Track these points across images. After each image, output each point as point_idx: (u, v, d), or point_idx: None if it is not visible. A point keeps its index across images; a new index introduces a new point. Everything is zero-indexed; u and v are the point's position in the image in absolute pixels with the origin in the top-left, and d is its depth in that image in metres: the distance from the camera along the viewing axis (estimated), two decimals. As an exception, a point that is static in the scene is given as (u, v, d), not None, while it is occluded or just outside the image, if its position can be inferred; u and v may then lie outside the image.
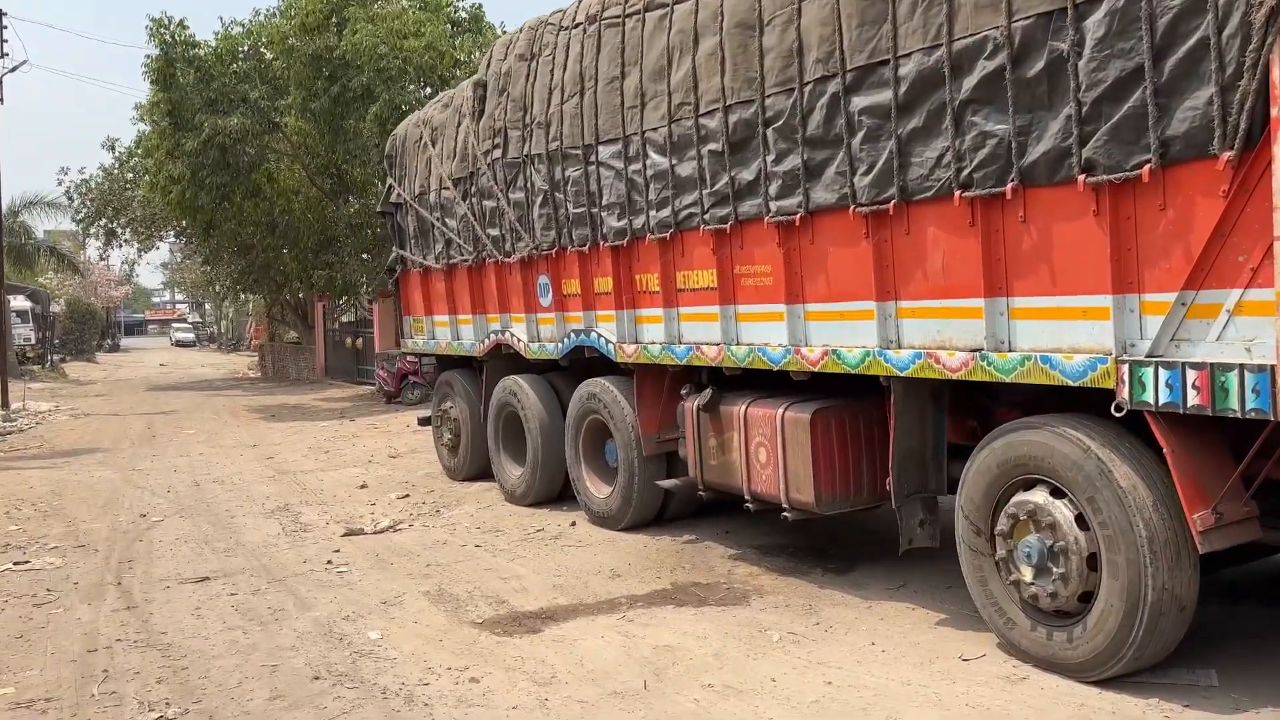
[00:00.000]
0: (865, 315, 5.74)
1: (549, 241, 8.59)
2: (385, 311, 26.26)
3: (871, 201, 5.55)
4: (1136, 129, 4.30)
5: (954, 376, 5.23)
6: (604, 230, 7.83)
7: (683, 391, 7.52)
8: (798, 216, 6.03)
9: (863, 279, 5.73)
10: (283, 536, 8.81)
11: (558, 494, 9.47)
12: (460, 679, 5.17)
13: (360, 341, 28.46)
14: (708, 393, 6.99)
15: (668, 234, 7.14)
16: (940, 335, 5.35)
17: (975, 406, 6.10)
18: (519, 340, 9.41)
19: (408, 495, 10.55)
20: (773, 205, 6.21)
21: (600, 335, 8.14)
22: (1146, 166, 4.27)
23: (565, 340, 8.64)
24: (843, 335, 5.93)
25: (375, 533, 8.85)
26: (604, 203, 7.79)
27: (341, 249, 25.10)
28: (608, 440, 8.43)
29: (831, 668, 5.10)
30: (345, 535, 8.77)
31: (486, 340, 9.99)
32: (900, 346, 5.56)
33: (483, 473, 11.01)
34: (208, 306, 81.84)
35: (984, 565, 5.24)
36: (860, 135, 5.58)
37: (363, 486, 11.12)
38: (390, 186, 11.62)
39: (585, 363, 8.86)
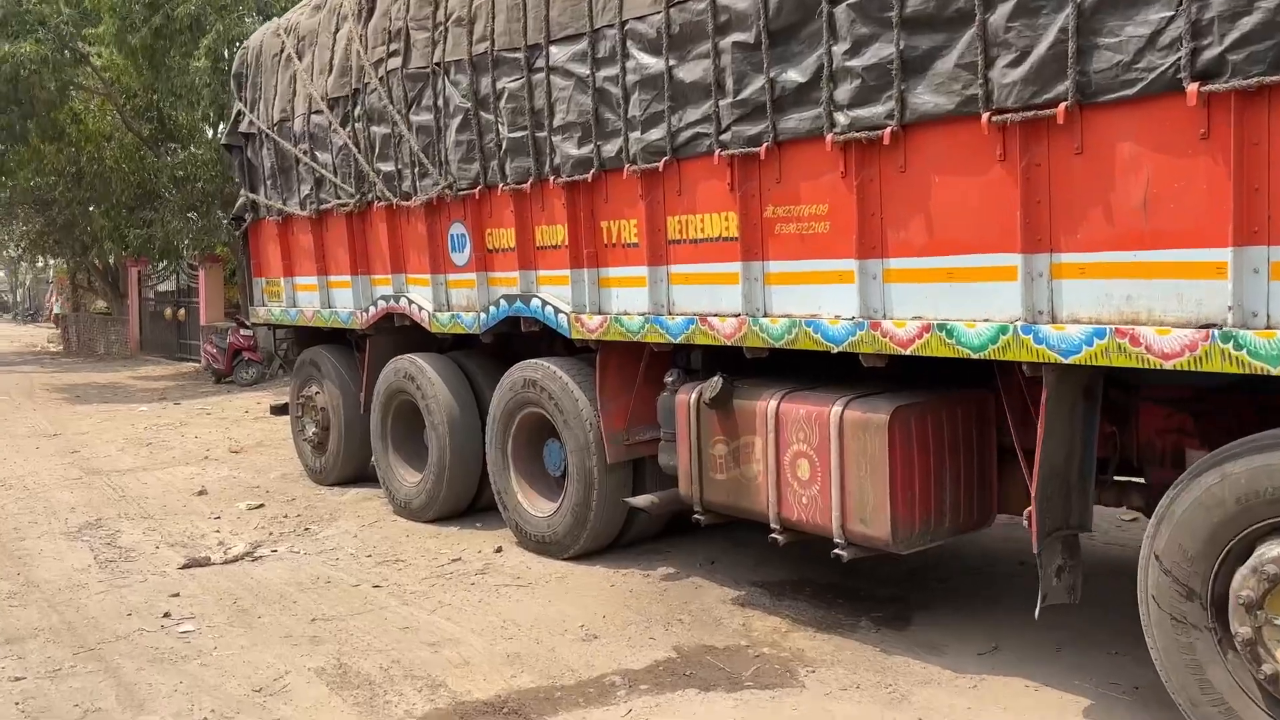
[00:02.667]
0: (998, 274, 3.97)
1: (469, 178, 6.51)
2: (213, 278, 23.29)
3: (1024, 105, 3.77)
4: None
5: (1167, 365, 3.51)
6: (555, 161, 5.82)
7: (667, 379, 5.61)
8: (886, 131, 4.19)
9: (997, 222, 3.94)
10: (95, 570, 6.44)
11: (466, 506, 7.42)
12: None
13: (183, 313, 25.20)
14: (716, 382, 5.08)
15: (659, 163, 5.20)
16: (1132, 303, 3.62)
17: (1124, 408, 4.43)
18: (420, 309, 7.27)
19: (262, 505, 8.26)
20: (841, 116, 4.36)
21: (545, 303, 6.13)
22: None
23: (491, 309, 6.57)
24: (954, 303, 4.13)
25: (226, 562, 6.59)
26: (556, 123, 5.79)
27: (162, 205, 21.91)
28: (548, 440, 6.44)
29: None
30: (185, 567, 6.48)
31: (372, 309, 7.79)
32: (1058, 320, 3.81)
33: (359, 475, 8.84)
34: (1, 273, 74.27)
35: (1198, 644, 3.55)
36: (1007, 7, 3.78)
37: (201, 493, 8.72)
38: (239, 113, 9.19)
39: (511, 340, 6.84)
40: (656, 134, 5.20)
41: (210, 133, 21.97)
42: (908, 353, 4.26)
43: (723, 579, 5.77)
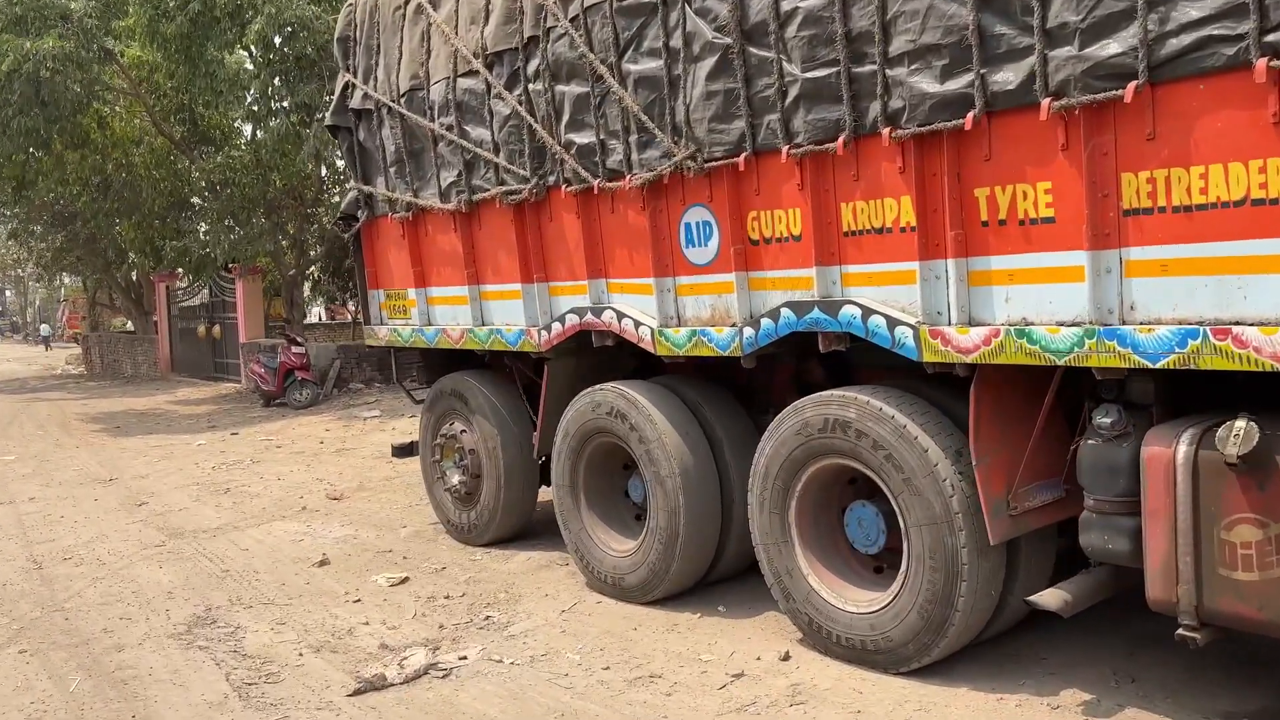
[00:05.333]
0: None
1: (727, 142, 4.73)
2: (251, 291, 21.51)
3: None
4: None
5: None
6: (891, 104, 4.04)
7: (1100, 419, 3.79)
8: None
9: None
10: (235, 703, 4.64)
11: (696, 582, 5.63)
12: None
13: (218, 330, 23.44)
14: (1247, 428, 3.26)
15: (1122, 90, 3.39)
16: None
17: None
18: (635, 325, 5.47)
19: (406, 579, 6.46)
20: None
21: (868, 311, 4.31)
22: None
23: (765, 323, 4.74)
24: None
25: (408, 681, 4.79)
26: (894, 50, 4.00)
27: (198, 214, 20.19)
28: (855, 505, 4.63)
29: None
30: (357, 693, 4.69)
31: (556, 326, 5.99)
32: None
33: (521, 532, 7.06)
34: (9, 293, 72.60)
35: None
36: None
37: (322, 563, 6.92)
38: (347, 86, 7.39)
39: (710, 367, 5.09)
40: (1115, 47, 3.39)
41: (249, 132, 20.24)
42: None
43: (1169, 708, 3.95)
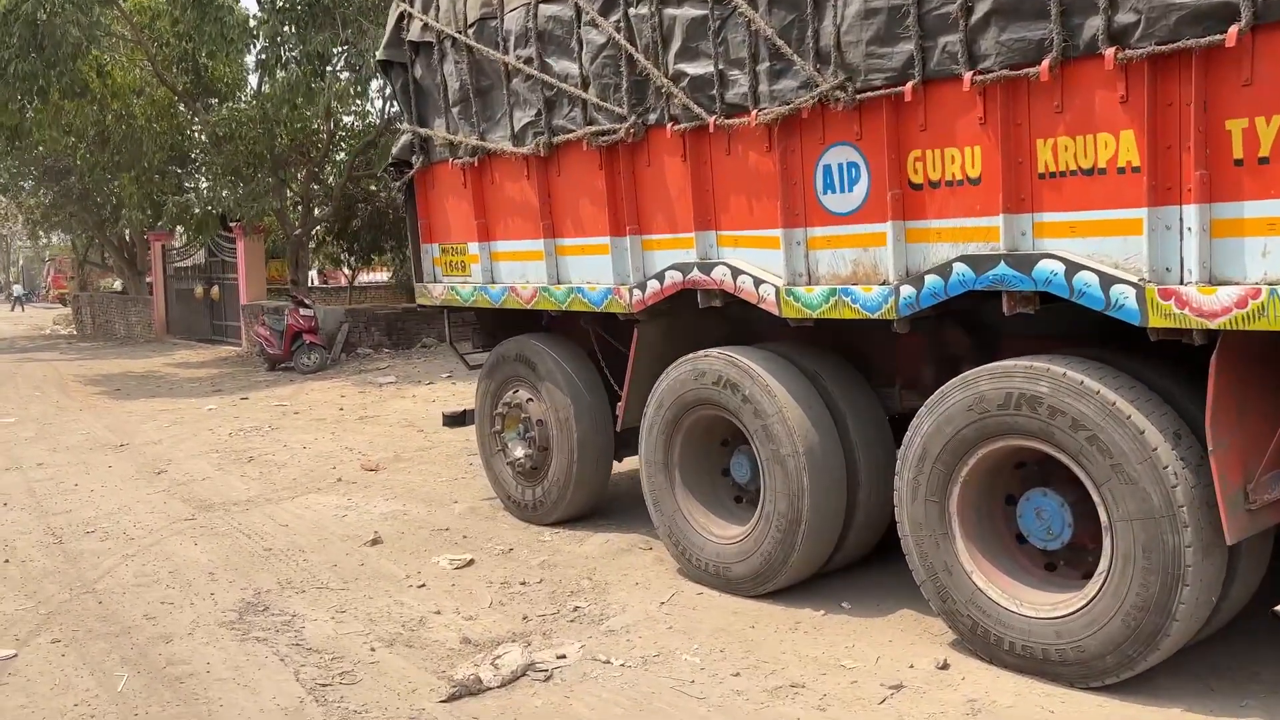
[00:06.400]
0: None
1: (888, 69, 4.09)
2: (252, 251, 20.71)
3: None
4: None
5: None
6: (1117, 20, 3.40)
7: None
8: None
9: None
10: (313, 709, 4.01)
11: (810, 574, 5.01)
12: None
13: (216, 291, 22.65)
14: None
15: None
16: None
17: None
18: (755, 283, 4.81)
19: (472, 562, 5.83)
20: None
21: (1074, 268, 3.66)
22: None
23: (929, 280, 4.09)
24: None
25: (506, 683, 4.17)
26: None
27: (200, 169, 19.38)
28: (1034, 491, 4.01)
29: None
30: (451, 699, 4.06)
31: (652, 284, 5.33)
32: None
33: (590, 510, 6.44)
34: (-8, 252, 71.18)
35: None
36: None
37: (374, 542, 6.27)
38: (403, 16, 6.67)
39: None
40: None
41: (254, 83, 19.39)
42: None
43: None
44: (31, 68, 15.99)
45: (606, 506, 6.54)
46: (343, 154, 20.11)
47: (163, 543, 6.39)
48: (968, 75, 3.81)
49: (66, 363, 19.99)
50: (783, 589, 4.95)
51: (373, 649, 4.61)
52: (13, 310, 43.83)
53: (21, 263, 64.50)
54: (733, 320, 5.56)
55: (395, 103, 6.95)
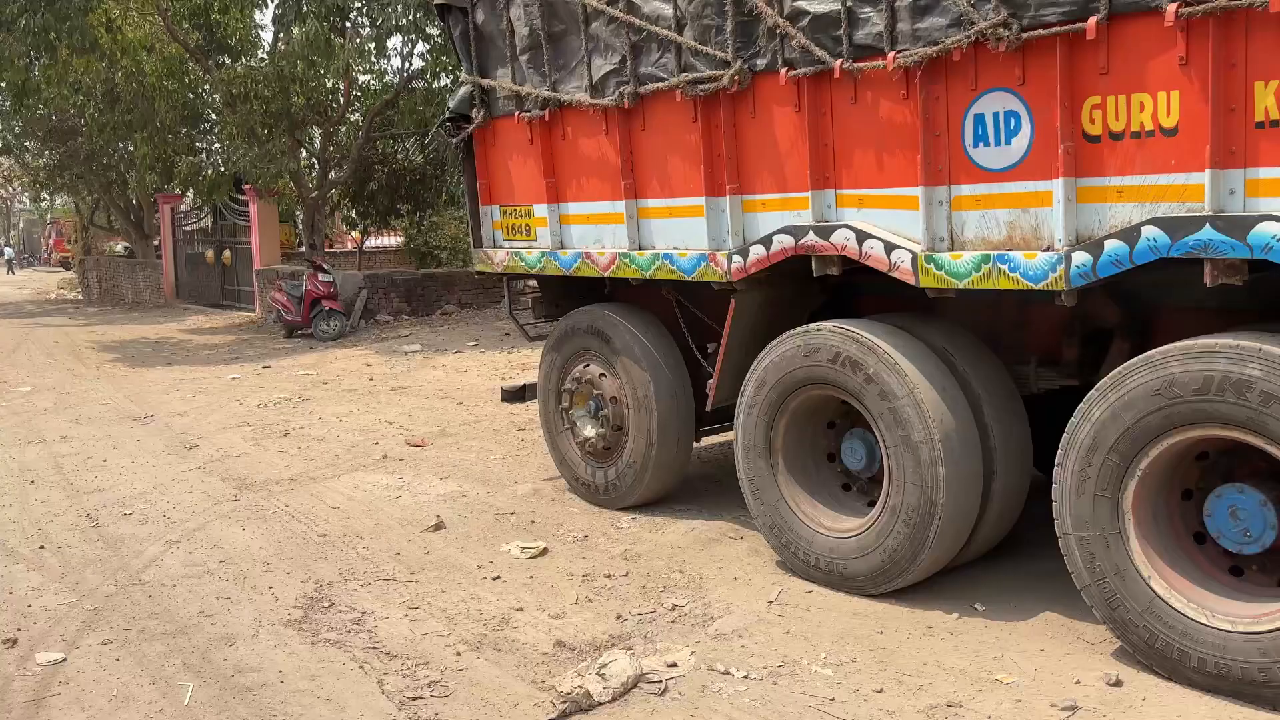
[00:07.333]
0: None
1: (1068, 3, 3.54)
2: (266, 215, 20.14)
3: None
4: None
5: None
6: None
7: None
8: None
9: None
10: (404, 729, 3.56)
11: (937, 571, 4.54)
12: None
13: (228, 255, 22.10)
14: None
15: None
16: None
17: None
18: (888, 247, 4.29)
19: (546, 551, 5.36)
20: None
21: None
22: None
23: (1101, 245, 3.57)
24: None
25: (615, 699, 3.71)
26: None
27: (214, 129, 18.79)
28: (1219, 492, 3.53)
29: None
30: (560, 718, 3.60)
31: (757, 250, 4.81)
32: None
33: (666, 494, 5.97)
34: (-7, 215, 70.37)
35: None
36: None
37: (437, 527, 5.80)
38: (463, -45, 6.12)
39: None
40: None
41: (269, 41, 18.78)
42: None
43: None
44: (42, 22, 15.39)
45: (679, 489, 6.07)
46: (359, 114, 19.49)
47: (207, 527, 5.92)
48: (1171, 7, 3.28)
49: (76, 328, 19.50)
50: (908, 588, 4.48)
51: (458, 653, 4.15)
52: (6, 274, 43.28)
53: (22, 225, 63.79)
54: (832, 291, 5.08)
55: (454, 51, 6.34)
